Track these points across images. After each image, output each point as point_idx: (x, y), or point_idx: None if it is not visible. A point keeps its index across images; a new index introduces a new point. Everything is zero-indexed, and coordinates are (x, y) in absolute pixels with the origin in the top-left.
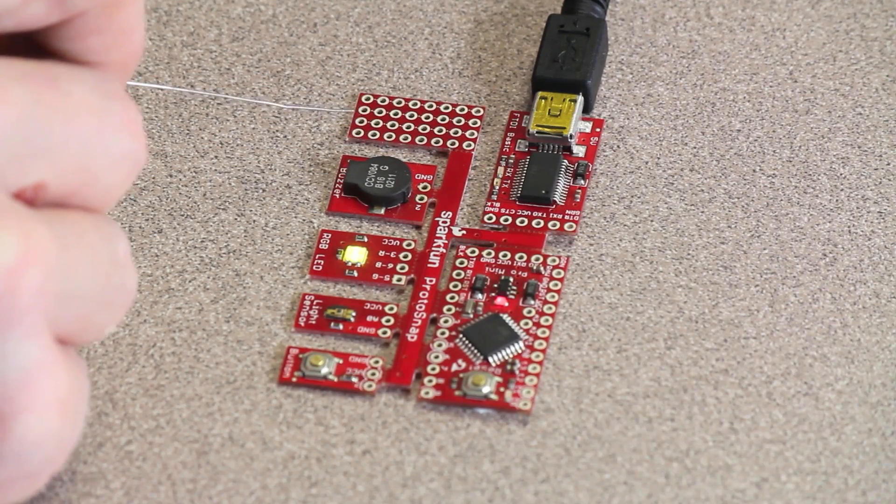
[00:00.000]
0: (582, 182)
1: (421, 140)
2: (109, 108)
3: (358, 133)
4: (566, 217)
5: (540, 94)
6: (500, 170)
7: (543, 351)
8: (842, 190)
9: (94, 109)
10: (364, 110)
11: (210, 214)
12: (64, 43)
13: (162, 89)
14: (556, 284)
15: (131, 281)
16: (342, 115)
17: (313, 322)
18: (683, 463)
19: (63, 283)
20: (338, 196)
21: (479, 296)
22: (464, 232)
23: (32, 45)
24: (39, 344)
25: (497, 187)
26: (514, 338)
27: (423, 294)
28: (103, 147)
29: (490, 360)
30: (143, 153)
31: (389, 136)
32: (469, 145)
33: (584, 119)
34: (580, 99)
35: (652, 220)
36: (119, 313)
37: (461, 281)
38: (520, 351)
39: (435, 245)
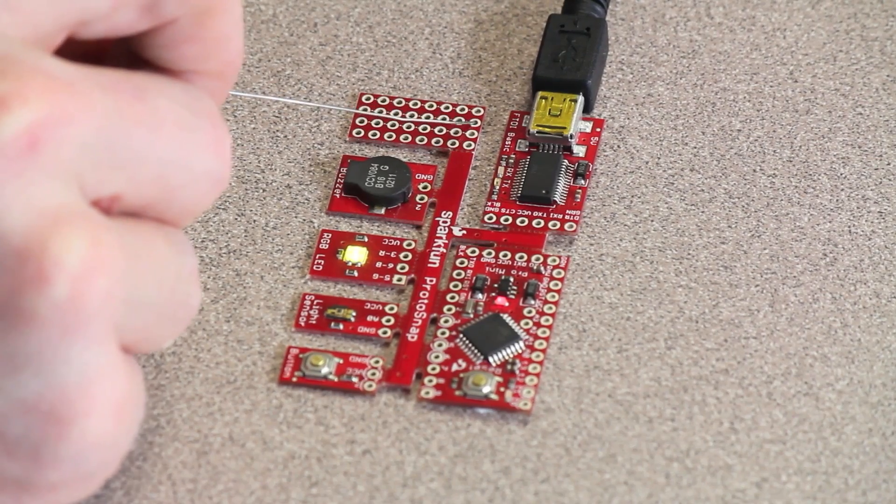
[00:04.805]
0: (582, 182)
1: (421, 140)
2: (197, 126)
3: (358, 133)
4: (566, 217)
5: (540, 93)
6: (501, 170)
7: (543, 351)
8: (842, 190)
9: (181, 125)
10: (364, 110)
11: (210, 214)
12: (157, 51)
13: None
14: (556, 284)
15: (195, 297)
16: (342, 114)
17: (313, 322)
18: (683, 463)
19: (129, 293)
20: (338, 196)
21: (480, 296)
22: (464, 232)
23: (128, 53)
24: (103, 350)
25: (497, 187)
26: (514, 338)
27: (424, 294)
28: (186, 164)
29: (490, 360)
30: (227, 174)
31: (389, 136)
32: (469, 145)
33: (584, 119)
34: (580, 99)
35: (652, 220)
36: (179, 328)
37: (461, 281)
38: (520, 351)
39: (435, 245)
